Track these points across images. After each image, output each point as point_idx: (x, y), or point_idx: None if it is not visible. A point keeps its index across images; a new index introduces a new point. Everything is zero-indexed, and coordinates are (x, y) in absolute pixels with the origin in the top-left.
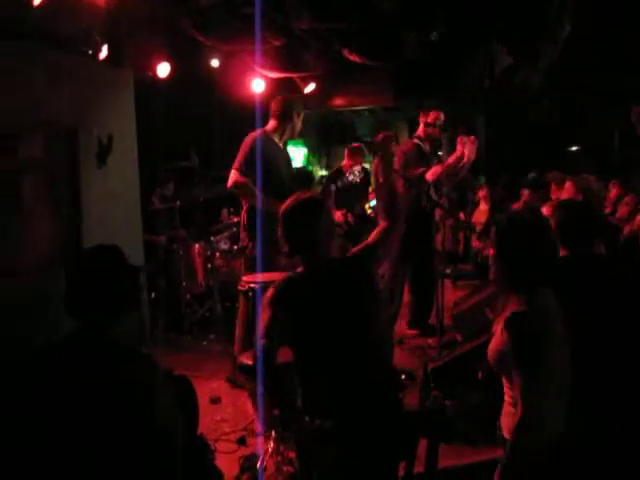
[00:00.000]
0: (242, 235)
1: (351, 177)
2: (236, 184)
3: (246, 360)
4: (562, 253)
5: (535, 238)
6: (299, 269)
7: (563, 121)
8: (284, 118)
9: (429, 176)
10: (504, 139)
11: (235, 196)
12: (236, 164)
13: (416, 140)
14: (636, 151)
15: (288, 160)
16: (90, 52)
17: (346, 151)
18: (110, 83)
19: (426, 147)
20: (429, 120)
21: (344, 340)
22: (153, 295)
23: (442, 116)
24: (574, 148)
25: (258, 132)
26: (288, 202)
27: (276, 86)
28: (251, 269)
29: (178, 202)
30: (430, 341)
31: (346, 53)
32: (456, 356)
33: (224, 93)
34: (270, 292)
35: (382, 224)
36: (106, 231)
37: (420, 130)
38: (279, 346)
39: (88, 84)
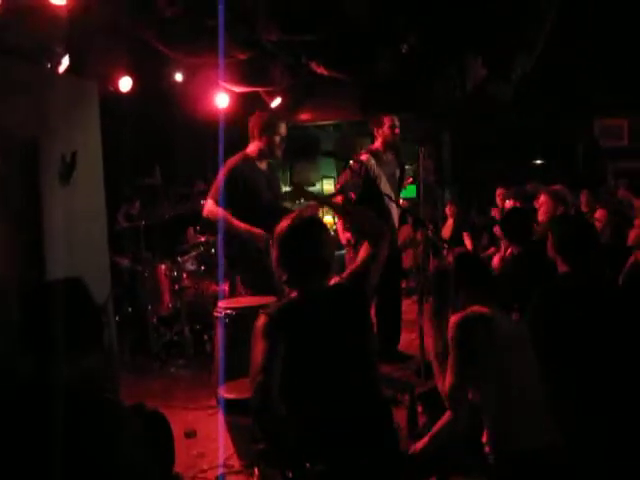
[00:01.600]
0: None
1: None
2: (211, 214)
3: (225, 393)
4: (562, 269)
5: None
6: (292, 295)
7: (528, 133)
8: (260, 137)
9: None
10: (470, 152)
11: (200, 213)
12: (212, 192)
13: (365, 157)
14: (600, 164)
15: (272, 182)
16: (49, 64)
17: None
18: (73, 96)
19: (389, 157)
20: (387, 127)
21: (341, 375)
22: (117, 318)
23: (396, 120)
24: (538, 161)
25: (237, 158)
26: (285, 225)
27: (241, 100)
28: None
29: (143, 222)
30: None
31: (314, 66)
32: None
33: (188, 108)
34: (264, 320)
35: (364, 250)
36: (70, 253)
37: (378, 142)
38: (277, 379)
39: (48, 97)
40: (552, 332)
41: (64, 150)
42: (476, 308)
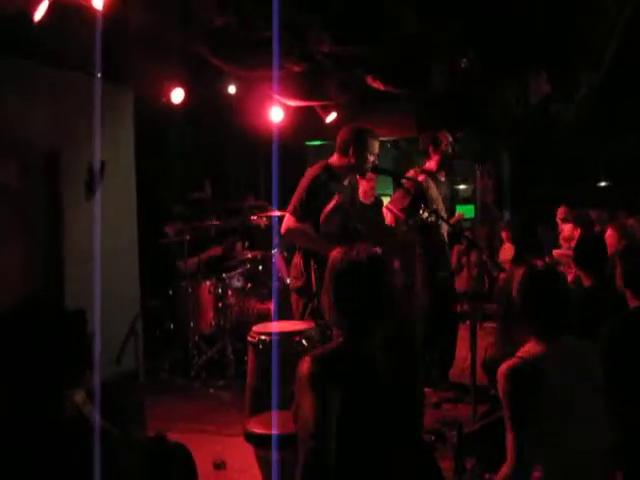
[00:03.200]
0: (294, 278)
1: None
2: (289, 230)
3: (255, 428)
4: (632, 303)
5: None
6: (337, 340)
7: (592, 154)
8: (347, 151)
9: None
10: (530, 173)
11: (250, 229)
12: (291, 207)
13: (423, 178)
14: None
15: (352, 199)
16: (82, 69)
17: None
18: (105, 103)
19: (441, 177)
20: (444, 145)
21: (392, 430)
22: (158, 333)
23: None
24: (603, 183)
25: (317, 168)
26: (343, 257)
27: (296, 115)
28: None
29: (188, 236)
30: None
31: (369, 80)
32: (495, 418)
33: (242, 121)
34: (310, 367)
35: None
36: (95, 269)
37: (434, 162)
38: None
39: (75, 104)
40: (628, 364)
41: (92, 160)
42: (531, 349)
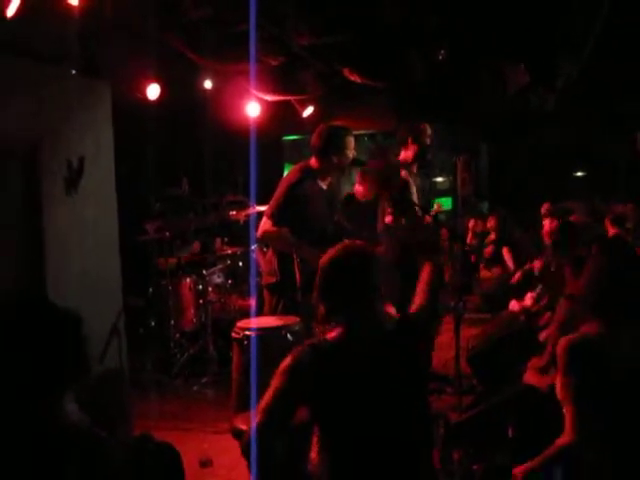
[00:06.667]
0: (267, 274)
1: None
2: (266, 233)
3: (240, 424)
4: None
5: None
6: (331, 335)
7: (570, 145)
8: (327, 153)
9: None
10: (508, 164)
11: (229, 225)
12: (268, 210)
13: (404, 173)
14: None
15: (331, 201)
16: (61, 65)
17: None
18: (83, 97)
19: (413, 169)
20: (424, 136)
21: (389, 434)
22: (142, 331)
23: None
24: (579, 174)
25: (298, 171)
26: (333, 253)
27: (272, 109)
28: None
29: (167, 233)
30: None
31: (347, 73)
32: (482, 410)
33: (217, 116)
34: (289, 361)
35: (425, 268)
36: (76, 266)
37: (410, 152)
38: (284, 426)
39: (52, 97)
40: None
41: (70, 155)
42: (592, 328)
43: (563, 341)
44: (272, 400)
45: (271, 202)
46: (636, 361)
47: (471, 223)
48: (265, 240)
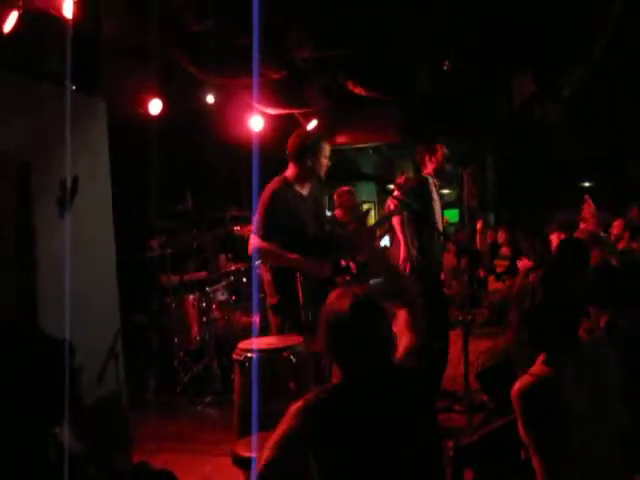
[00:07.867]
0: (269, 295)
1: None
2: (255, 249)
3: (241, 450)
4: None
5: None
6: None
7: (576, 155)
8: (303, 158)
9: None
10: (515, 175)
11: (233, 240)
12: (254, 226)
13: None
14: None
15: (315, 209)
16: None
17: (335, 197)
18: (78, 115)
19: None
20: (440, 153)
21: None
22: (144, 350)
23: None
24: (587, 184)
25: (275, 183)
26: (339, 305)
27: (276, 123)
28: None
29: (169, 249)
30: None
31: (350, 85)
32: (493, 430)
33: (221, 131)
34: (302, 404)
35: (402, 315)
36: (70, 288)
37: (429, 169)
38: (288, 464)
39: (46, 115)
40: None
41: (64, 175)
42: (540, 370)
43: (515, 387)
44: (285, 437)
45: (255, 220)
46: (582, 394)
47: (479, 225)
48: (257, 256)
